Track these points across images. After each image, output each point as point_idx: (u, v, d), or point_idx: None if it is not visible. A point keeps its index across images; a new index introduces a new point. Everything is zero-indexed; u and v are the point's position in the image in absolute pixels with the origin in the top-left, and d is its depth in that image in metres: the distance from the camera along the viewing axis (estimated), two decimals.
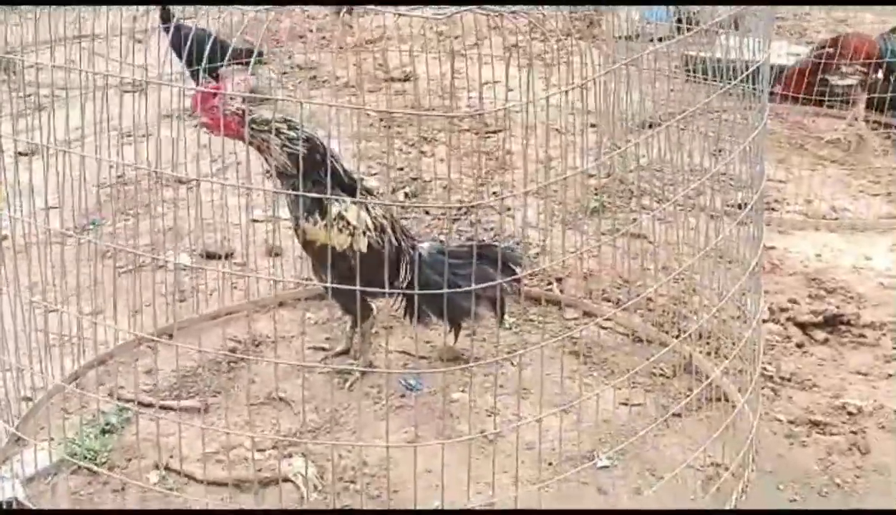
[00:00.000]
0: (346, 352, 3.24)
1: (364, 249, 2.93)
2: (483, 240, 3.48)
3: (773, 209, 4.50)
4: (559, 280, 3.84)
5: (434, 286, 2.98)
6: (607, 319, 3.50)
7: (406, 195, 4.65)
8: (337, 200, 2.92)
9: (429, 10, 2.62)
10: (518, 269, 3.12)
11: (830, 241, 4.20)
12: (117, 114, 2.60)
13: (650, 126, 5.78)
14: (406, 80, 6.53)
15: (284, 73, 6.50)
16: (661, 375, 3.20)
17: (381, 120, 5.76)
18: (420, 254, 3.08)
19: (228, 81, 5.42)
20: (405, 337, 3.34)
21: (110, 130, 2.84)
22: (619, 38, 7.20)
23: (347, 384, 3.09)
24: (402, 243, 3.05)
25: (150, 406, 2.84)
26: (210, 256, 3.85)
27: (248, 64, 5.61)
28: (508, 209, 4.50)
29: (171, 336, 3.34)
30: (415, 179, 4.83)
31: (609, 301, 3.68)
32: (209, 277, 3.71)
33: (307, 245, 2.95)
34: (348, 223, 2.93)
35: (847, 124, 5.44)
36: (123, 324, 3.29)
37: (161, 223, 3.85)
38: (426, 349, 3.29)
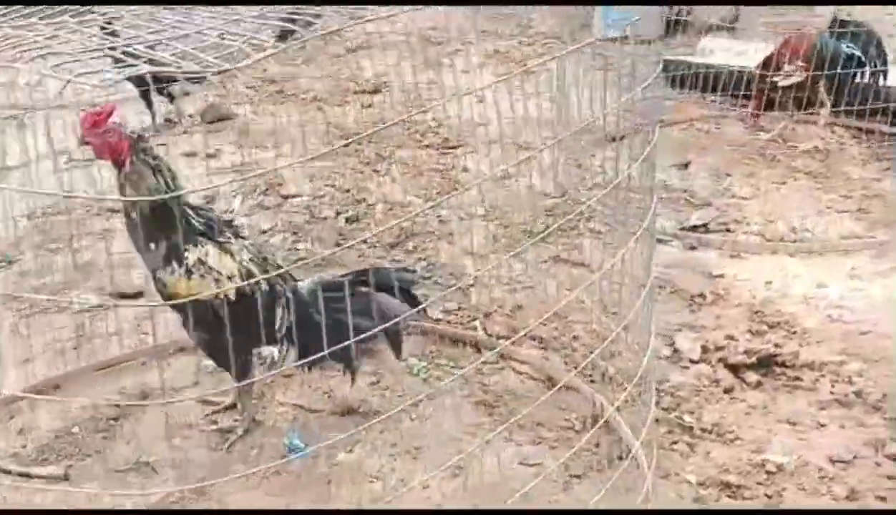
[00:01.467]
0: (234, 406, 2.99)
1: (232, 297, 2.67)
2: (377, 268, 3.18)
3: (729, 230, 4.17)
4: (487, 315, 3.56)
5: (315, 327, 2.72)
6: (523, 363, 3.22)
7: (347, 220, 4.39)
8: (196, 245, 2.66)
9: None
10: (417, 296, 2.86)
11: (786, 266, 3.86)
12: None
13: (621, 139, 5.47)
14: (376, 92, 6.27)
15: (252, 86, 6.28)
16: (569, 428, 2.91)
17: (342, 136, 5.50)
18: (299, 294, 2.81)
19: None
20: (303, 385, 3.09)
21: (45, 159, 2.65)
22: (609, 40, 6.86)
23: (227, 444, 2.84)
24: (277, 286, 2.78)
25: (8, 472, 2.63)
26: (122, 296, 3.63)
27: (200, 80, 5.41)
28: (450, 234, 4.23)
29: (57, 387, 3.15)
30: (359, 202, 4.57)
31: (535, 339, 3.39)
32: (116, 318, 3.49)
33: (170, 298, 2.70)
34: (210, 268, 2.68)
35: (821, 127, 5.10)
36: (11, 375, 3.10)
37: (76, 258, 3.66)
38: (322, 400, 3.03)
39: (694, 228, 4.18)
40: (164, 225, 2.62)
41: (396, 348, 2.82)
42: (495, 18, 7.96)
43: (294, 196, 4.62)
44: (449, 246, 4.08)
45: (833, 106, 5.00)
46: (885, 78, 4.99)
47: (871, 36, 4.97)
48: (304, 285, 2.83)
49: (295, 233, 4.22)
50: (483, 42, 7.48)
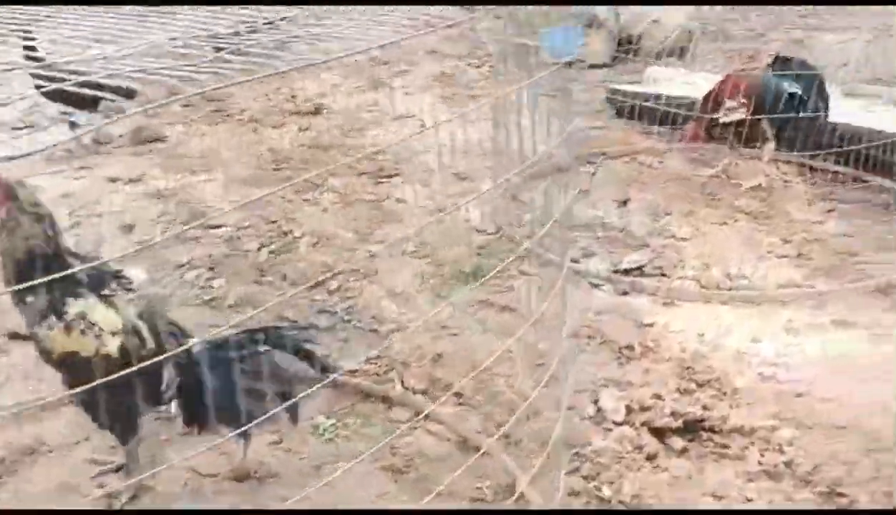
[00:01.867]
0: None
1: (115, 354, 2.44)
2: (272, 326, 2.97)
3: (664, 274, 4.00)
4: (406, 365, 3.35)
5: (204, 389, 2.51)
6: (439, 422, 3.02)
7: (270, 253, 4.17)
8: (77, 298, 2.44)
9: None
10: (316, 356, 2.65)
11: (721, 316, 3.68)
12: None
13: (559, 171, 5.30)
14: (316, 113, 6.05)
15: (187, 105, 6.03)
16: (481, 499, 2.71)
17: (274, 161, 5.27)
18: (191, 354, 2.58)
19: None
20: (196, 447, 2.86)
21: None
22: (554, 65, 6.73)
23: (113, 509, 2.61)
24: (166, 343, 2.55)
25: None
26: (14, 336, 3.38)
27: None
28: (376, 272, 4.02)
29: None
30: (285, 234, 4.34)
31: (458, 394, 3.18)
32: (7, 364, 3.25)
33: (46, 355, 2.46)
34: (92, 324, 2.45)
35: (766, 163, 4.95)
36: None
37: None
38: (218, 463, 2.80)
39: (627, 271, 4.00)
40: (42, 275, 2.39)
41: (292, 412, 2.60)
42: (447, 39, 7.76)
43: (217, 226, 4.39)
44: (374, 286, 3.87)
45: (777, 142, 4.87)
46: (826, 116, 4.87)
47: (813, 75, 4.85)
48: (196, 343, 2.60)
49: (211, 269, 3.99)
50: (430, 63, 7.29)
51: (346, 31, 2.61)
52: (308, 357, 2.60)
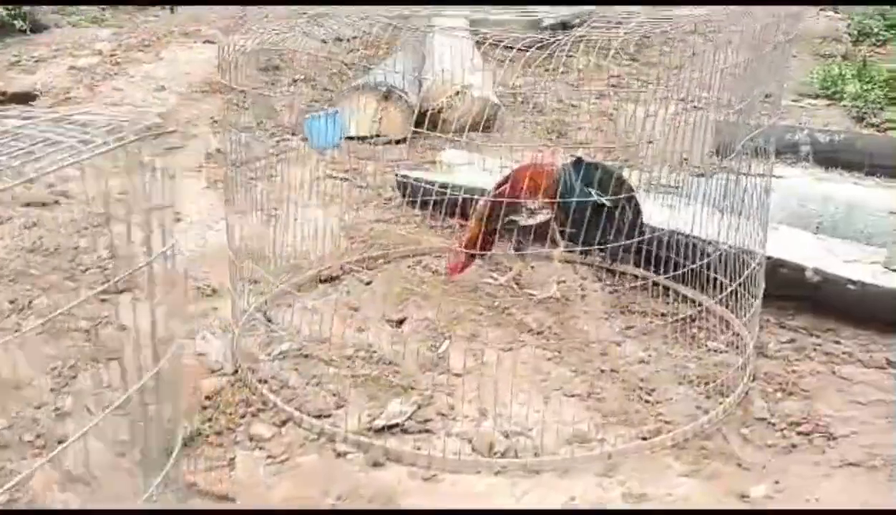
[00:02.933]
0: None
1: None
2: None
3: (429, 430, 3.25)
4: None
5: None
6: None
7: None
8: None
9: None
10: None
11: (492, 494, 2.95)
12: None
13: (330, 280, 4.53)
14: (55, 202, 5.07)
15: None
16: None
17: None
18: None
19: None
20: None
21: None
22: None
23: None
24: None
25: None
26: None
27: None
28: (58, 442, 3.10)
29: None
30: None
31: None
32: None
33: None
34: None
35: (560, 267, 4.30)
36: None
37: None
38: None
39: (385, 429, 3.22)
40: None
41: None
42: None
43: None
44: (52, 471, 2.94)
45: (573, 242, 4.19)
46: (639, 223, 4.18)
47: (613, 177, 4.16)
48: None
49: None
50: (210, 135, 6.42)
51: None
52: None
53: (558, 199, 3.98)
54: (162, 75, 8.01)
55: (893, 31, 9.56)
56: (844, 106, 7.50)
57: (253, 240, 3.94)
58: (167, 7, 10.92)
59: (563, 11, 7.93)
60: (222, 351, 3.69)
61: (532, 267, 4.48)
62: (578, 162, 4.18)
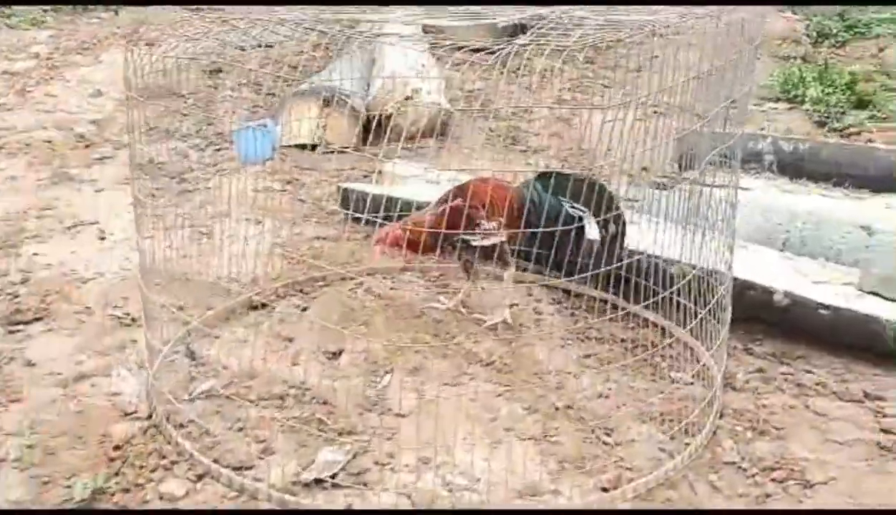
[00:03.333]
0: None
1: None
2: None
3: (365, 484, 2.88)
4: None
5: None
6: None
7: None
8: None
9: None
10: None
11: None
12: None
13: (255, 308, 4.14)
14: None
15: None
16: None
17: None
18: None
19: None
20: None
21: None
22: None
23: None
24: None
25: None
26: None
27: None
28: None
29: None
30: None
31: None
32: None
33: None
34: None
35: (511, 289, 3.95)
36: None
37: None
38: None
39: (314, 483, 2.86)
40: None
41: None
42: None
43: None
44: None
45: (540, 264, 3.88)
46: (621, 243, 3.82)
47: (592, 188, 3.74)
48: None
49: None
50: None
51: None
52: None
53: (526, 218, 3.58)
54: (100, 79, 7.57)
55: (852, 32, 9.36)
56: (806, 110, 7.24)
57: (177, 261, 3.56)
58: (111, 9, 10.43)
59: (516, 14, 7.60)
60: (138, 391, 3.29)
61: (482, 288, 4.14)
62: (546, 174, 3.84)
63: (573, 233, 3.61)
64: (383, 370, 3.50)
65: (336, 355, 3.60)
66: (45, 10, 10.35)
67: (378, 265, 4.29)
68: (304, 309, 3.94)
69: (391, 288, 4.18)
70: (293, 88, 5.91)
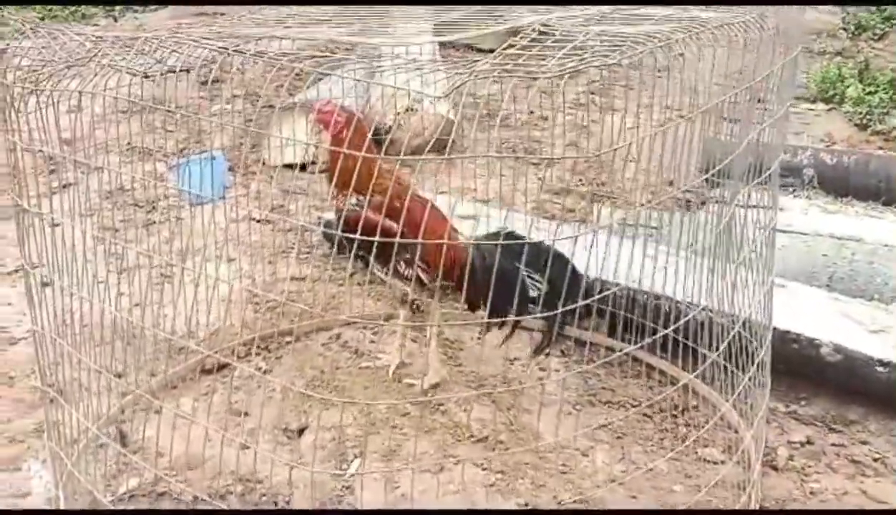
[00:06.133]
0: None
1: None
2: None
3: None
4: None
5: None
6: None
7: None
8: None
9: None
10: None
11: None
12: None
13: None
14: None
15: None
16: None
17: None
18: None
19: None
20: None
21: None
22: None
23: None
24: None
25: None
26: None
27: None
28: None
29: None
30: None
31: None
32: None
33: None
34: None
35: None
36: None
37: None
38: None
39: None
40: None
41: None
42: None
43: None
44: None
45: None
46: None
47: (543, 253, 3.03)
48: None
49: None
50: None
51: None
52: None
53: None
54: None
55: (891, 24, 8.60)
56: (846, 111, 6.52)
57: (128, 311, 2.94)
58: (110, 16, 9.91)
59: (531, 17, 6.93)
60: (53, 491, 2.70)
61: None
62: (495, 234, 3.09)
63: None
64: (353, 453, 2.88)
65: (298, 434, 2.98)
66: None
67: (358, 312, 3.67)
68: (266, 372, 3.33)
69: (371, 342, 3.55)
70: (281, 103, 5.29)
